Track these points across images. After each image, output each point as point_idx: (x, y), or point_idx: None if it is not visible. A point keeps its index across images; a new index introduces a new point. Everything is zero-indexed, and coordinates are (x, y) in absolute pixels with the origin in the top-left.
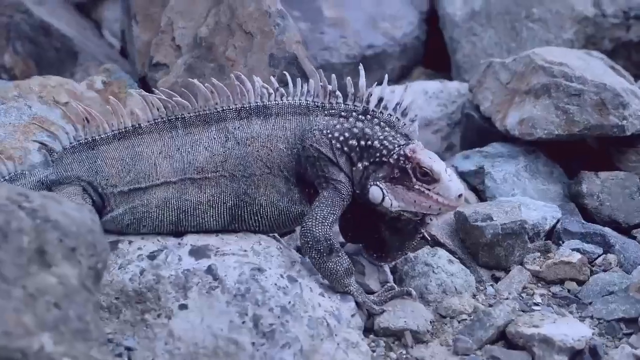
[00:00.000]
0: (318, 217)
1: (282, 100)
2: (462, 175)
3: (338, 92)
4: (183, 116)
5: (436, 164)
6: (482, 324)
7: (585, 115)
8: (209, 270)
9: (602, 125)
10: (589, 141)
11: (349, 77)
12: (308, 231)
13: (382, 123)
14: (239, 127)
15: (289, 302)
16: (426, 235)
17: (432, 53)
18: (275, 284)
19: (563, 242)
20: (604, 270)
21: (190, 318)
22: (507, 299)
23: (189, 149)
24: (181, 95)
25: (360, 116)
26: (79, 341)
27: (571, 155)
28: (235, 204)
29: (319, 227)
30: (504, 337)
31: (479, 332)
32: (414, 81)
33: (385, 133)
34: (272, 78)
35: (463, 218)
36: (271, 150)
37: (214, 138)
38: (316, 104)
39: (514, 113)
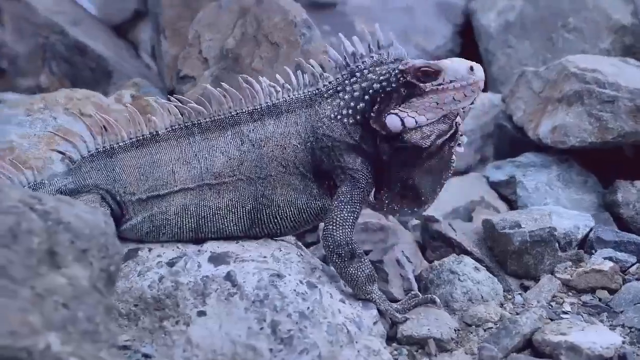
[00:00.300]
0: (338, 219)
1: (289, 96)
2: (494, 186)
3: (326, 74)
4: (199, 122)
5: (429, 60)
6: (508, 332)
7: (619, 122)
8: (228, 276)
9: (638, 132)
10: (625, 149)
11: (312, 61)
12: (329, 235)
13: (370, 68)
14: (253, 129)
15: (308, 308)
16: (460, 150)
17: None
18: (294, 290)
19: (596, 251)
20: (637, 279)
21: (208, 325)
22: (535, 307)
23: (206, 155)
24: (196, 102)
25: (351, 79)
26: (88, 342)
27: (606, 164)
28: (253, 207)
29: (340, 231)
30: (530, 346)
31: (504, 340)
32: None
33: (378, 72)
34: (277, 76)
35: (491, 226)
36: (285, 148)
37: (230, 142)
38: (314, 92)
39: (546, 121)
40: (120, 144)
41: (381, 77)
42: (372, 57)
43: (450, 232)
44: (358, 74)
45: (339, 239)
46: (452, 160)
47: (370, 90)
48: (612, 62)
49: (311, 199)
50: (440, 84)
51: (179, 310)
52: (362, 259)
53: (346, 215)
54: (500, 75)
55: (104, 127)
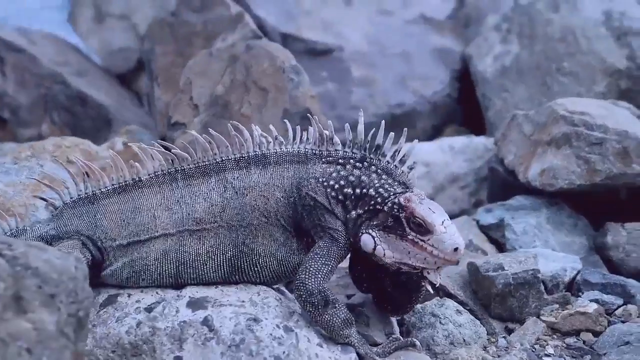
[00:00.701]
0: (311, 269)
1: (280, 148)
2: (484, 229)
3: (336, 139)
4: (183, 168)
5: (431, 215)
6: None
7: (607, 164)
8: (205, 321)
9: (626, 173)
10: (620, 192)
11: (347, 123)
12: (301, 284)
13: (379, 170)
14: (237, 177)
15: (284, 352)
16: (429, 288)
17: (466, 111)
18: (271, 334)
19: (582, 294)
20: (623, 322)
21: None
22: (516, 349)
23: (188, 201)
24: (180, 148)
25: (357, 163)
26: None
27: (598, 207)
28: (234, 254)
29: (312, 280)
30: None
31: None
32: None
33: (382, 181)
34: (270, 126)
35: (475, 268)
36: (268, 199)
37: (213, 189)
38: (314, 151)
39: (535, 164)
40: (102, 190)
41: (380, 190)
42: (389, 162)
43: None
44: (365, 164)
45: (311, 287)
46: (423, 284)
47: (364, 190)
48: (601, 105)
49: (290, 253)
50: (422, 240)
51: (155, 355)
52: (337, 305)
53: (320, 266)
54: (497, 119)
55: (86, 173)
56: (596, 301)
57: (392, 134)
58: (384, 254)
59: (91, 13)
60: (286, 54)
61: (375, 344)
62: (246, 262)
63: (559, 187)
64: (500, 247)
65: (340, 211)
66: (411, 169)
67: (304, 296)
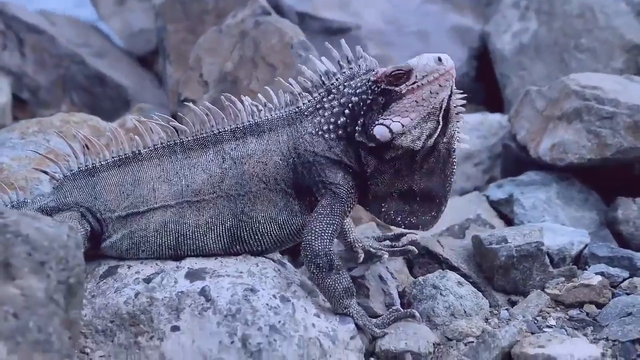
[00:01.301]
0: (316, 229)
1: (271, 115)
2: (494, 204)
3: (304, 93)
4: (182, 141)
5: (398, 63)
6: (486, 346)
7: (617, 138)
8: (202, 291)
9: (637, 147)
10: (634, 167)
11: (291, 80)
12: (307, 245)
13: (345, 84)
14: (235, 148)
15: (279, 322)
16: (463, 145)
17: (484, 90)
18: (267, 304)
19: (589, 267)
20: (628, 294)
21: (181, 340)
22: (516, 320)
23: (187, 173)
24: (178, 120)
25: (329, 97)
26: (38, 352)
27: (610, 182)
28: (233, 224)
29: (318, 241)
30: (509, 359)
31: (483, 354)
32: None
33: (353, 86)
34: (259, 95)
35: (478, 241)
36: (266, 164)
37: (212, 160)
38: (295, 110)
39: (546, 139)
40: (102, 163)
41: (357, 90)
42: (344, 72)
43: (437, 248)
44: (334, 91)
45: (317, 249)
46: (453, 157)
47: (350, 104)
48: (616, 80)
49: (292, 216)
50: (414, 83)
51: (153, 325)
52: (341, 272)
53: (325, 226)
54: (514, 97)
55: (86, 146)
56: (602, 274)
57: (324, 58)
58: (402, 124)
59: None
60: (295, 30)
61: (376, 316)
62: (246, 230)
63: (568, 161)
64: (509, 222)
65: (343, 150)
66: (360, 56)
67: (310, 256)
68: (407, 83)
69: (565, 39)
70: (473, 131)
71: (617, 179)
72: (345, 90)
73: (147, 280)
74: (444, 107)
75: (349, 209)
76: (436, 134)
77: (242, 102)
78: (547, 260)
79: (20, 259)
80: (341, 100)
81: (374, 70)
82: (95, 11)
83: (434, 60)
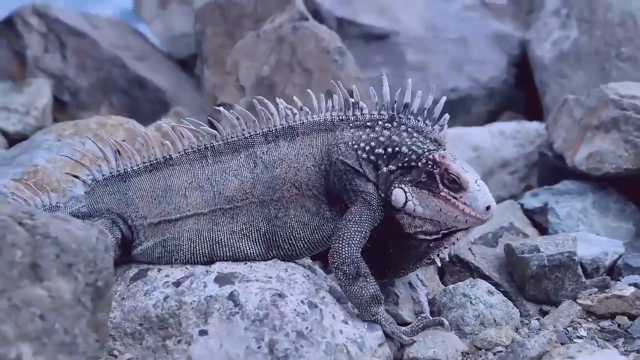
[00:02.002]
0: (345, 236)
1: (307, 118)
2: (528, 213)
3: (362, 104)
4: (212, 145)
5: (465, 173)
6: (515, 355)
7: None
8: (231, 296)
9: None
10: None
11: (371, 87)
12: (335, 252)
13: (409, 129)
14: (266, 151)
15: (307, 328)
16: (438, 262)
17: (523, 97)
18: (295, 310)
19: (623, 278)
20: None
21: (209, 344)
22: (546, 331)
23: (219, 179)
24: (212, 124)
25: (386, 124)
26: (63, 354)
27: None
28: (267, 230)
29: (345, 248)
30: None
31: None
32: None
33: (414, 139)
34: (295, 98)
35: (510, 250)
36: (299, 170)
37: (243, 165)
38: (340, 117)
39: (583, 149)
40: (133, 168)
41: (413, 147)
42: (419, 121)
43: (469, 256)
44: (395, 124)
45: (344, 255)
46: (425, 260)
47: (396, 148)
48: None
49: (323, 221)
50: (454, 197)
51: (181, 329)
52: (368, 279)
53: (353, 233)
54: (553, 105)
55: (118, 151)
56: (635, 285)
57: (419, 92)
58: (414, 210)
59: None
60: (332, 36)
61: (405, 323)
62: (280, 236)
63: (605, 171)
64: (543, 232)
65: (371, 172)
66: (442, 126)
67: (337, 263)
68: (451, 192)
69: (606, 47)
70: (509, 139)
71: None
72: (404, 134)
73: (177, 283)
74: (451, 230)
75: (379, 217)
76: (429, 238)
77: (276, 105)
78: (580, 271)
79: (48, 260)
80: (393, 137)
81: (440, 147)
82: (137, 14)
83: (484, 203)
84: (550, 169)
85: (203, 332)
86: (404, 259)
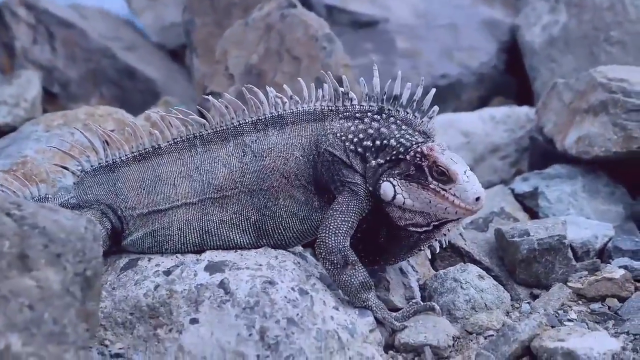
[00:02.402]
0: (331, 226)
1: (297, 108)
2: (519, 197)
3: (352, 94)
4: (201, 134)
5: (454, 165)
6: (506, 339)
7: None
8: (221, 284)
9: None
10: None
11: (362, 77)
12: (321, 242)
13: (398, 121)
14: (256, 140)
15: (297, 315)
16: (428, 254)
17: (514, 82)
18: (285, 297)
19: (613, 260)
20: None
21: (200, 332)
22: (536, 314)
23: (208, 168)
24: (198, 114)
25: (375, 116)
26: (52, 344)
27: (637, 175)
28: (258, 219)
29: (332, 238)
30: (529, 353)
31: (502, 347)
32: None
33: (402, 131)
34: (285, 86)
35: (501, 235)
36: (287, 160)
37: (232, 154)
38: (330, 108)
39: (572, 132)
40: (122, 158)
41: (401, 140)
42: (408, 113)
43: (460, 241)
44: (384, 116)
45: (331, 246)
46: (416, 250)
47: (385, 141)
48: None
49: (312, 211)
50: (443, 190)
51: (172, 318)
52: (356, 266)
53: (339, 223)
54: (544, 90)
55: (106, 141)
56: (625, 267)
57: (409, 83)
58: (404, 202)
59: None
60: (320, 23)
61: (396, 309)
62: (270, 225)
63: (594, 154)
64: (534, 216)
65: (358, 164)
66: (431, 118)
67: (324, 254)
68: (440, 184)
69: (595, 31)
70: (500, 124)
71: None
72: (393, 127)
73: (167, 272)
74: (441, 221)
75: (366, 208)
76: (419, 230)
77: (265, 93)
78: (570, 254)
79: (36, 250)
80: (382, 130)
81: (429, 140)
82: (127, 4)
83: (473, 194)
84: (540, 153)
85: (194, 321)
86: (395, 248)
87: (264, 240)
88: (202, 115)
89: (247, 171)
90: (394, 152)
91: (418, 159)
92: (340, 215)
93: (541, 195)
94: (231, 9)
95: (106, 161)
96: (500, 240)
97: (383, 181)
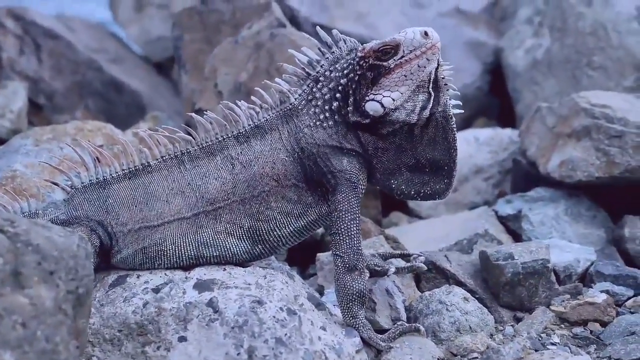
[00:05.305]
0: (342, 229)
1: (268, 115)
2: (502, 220)
3: (293, 88)
4: (189, 151)
5: (385, 38)
6: None
7: (626, 157)
8: (210, 302)
9: None
10: None
11: (277, 79)
12: (337, 244)
13: (330, 69)
14: (241, 152)
15: (286, 335)
16: (456, 111)
17: (497, 104)
18: (274, 317)
19: (595, 285)
20: (632, 312)
21: (188, 350)
22: (520, 337)
23: (199, 183)
24: (184, 131)
25: (317, 85)
26: None
27: (618, 200)
28: (252, 225)
29: (347, 240)
30: None
31: None
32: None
33: (339, 68)
34: (252, 97)
35: (485, 257)
36: (275, 163)
37: (221, 167)
38: (288, 107)
39: (556, 156)
40: (112, 175)
41: (345, 71)
42: (327, 57)
43: (445, 263)
44: (322, 78)
45: (346, 246)
46: (452, 124)
47: (339, 87)
48: (625, 98)
49: (306, 207)
50: (402, 57)
51: (160, 335)
52: (362, 276)
53: (349, 223)
54: (526, 112)
55: (97, 158)
56: (607, 292)
57: (311, 39)
58: (394, 100)
59: (131, 1)
60: (309, 43)
61: (382, 330)
62: (265, 229)
63: (577, 179)
64: (517, 238)
65: (343, 135)
66: (340, 40)
67: (339, 252)
68: (395, 58)
69: (578, 56)
70: (484, 146)
71: (625, 197)
72: (332, 74)
73: (156, 290)
74: (432, 78)
75: (362, 190)
76: (430, 105)
77: (239, 106)
78: (553, 278)
79: (29, 268)
80: (330, 86)
81: (357, 49)
82: (113, 17)
83: (420, 34)
84: (523, 175)
85: (182, 339)
86: (442, 143)
87: (260, 246)
88: (188, 133)
89: (238, 181)
90: (350, 82)
91: (363, 64)
92: (347, 215)
93: (524, 218)
94: (220, 26)
95: (97, 178)
96: (484, 262)
97: (364, 105)
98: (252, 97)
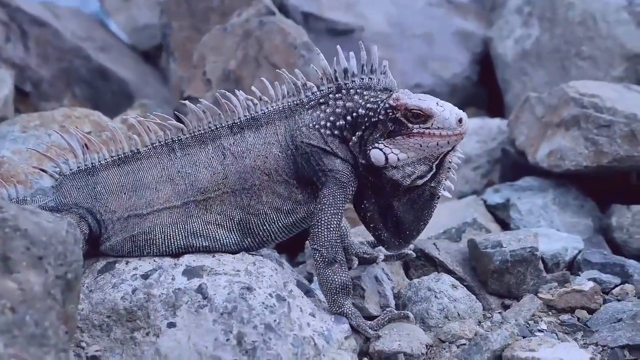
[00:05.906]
0: (323, 221)
1: (267, 107)
2: (491, 209)
3: (309, 83)
4: (180, 138)
5: (424, 102)
6: (478, 348)
7: (614, 147)
8: (199, 289)
9: (633, 156)
10: (631, 175)
11: (311, 65)
12: (315, 235)
13: (358, 90)
14: (234, 143)
15: (275, 321)
16: (447, 194)
17: (486, 94)
18: (263, 303)
19: (582, 273)
20: (619, 300)
21: (177, 336)
22: (508, 324)
23: (189, 171)
24: (175, 118)
25: (337, 95)
26: (34, 346)
27: (607, 190)
28: (242, 218)
29: (325, 232)
30: None
31: (475, 357)
32: None
33: (365, 97)
34: (252, 88)
35: (474, 245)
36: (267, 158)
37: (212, 157)
38: (295, 102)
39: (544, 146)
40: (101, 162)
41: (368, 105)
42: (363, 79)
43: (434, 251)
44: (344, 92)
45: (324, 239)
46: (435, 202)
47: (354, 113)
48: (614, 88)
49: (296, 204)
50: (427, 128)
51: (149, 321)
52: (343, 267)
53: (330, 216)
54: (515, 102)
55: (85, 145)
56: (594, 280)
57: (351, 53)
58: (398, 159)
59: None
60: (298, 31)
61: (371, 317)
62: (255, 223)
63: (565, 168)
64: (506, 227)
65: (338, 147)
66: (384, 73)
67: (316, 245)
68: (421, 125)
69: (567, 46)
70: (472, 136)
71: (612, 186)
72: (356, 97)
73: (145, 276)
74: (440, 157)
75: (351, 192)
76: (427, 178)
77: (236, 96)
78: (541, 265)
79: (18, 253)
80: (347, 105)
81: (392, 93)
82: (100, 5)
83: (455, 118)
84: (512, 165)
85: (171, 325)
86: (416, 211)
87: (249, 239)
88: (179, 120)
89: (229, 172)
90: (367, 119)
91: (390, 113)
92: (330, 209)
93: (513, 207)
94: (209, 14)
95: (85, 165)
96: (473, 250)
97: (370, 150)
98: (253, 88)
